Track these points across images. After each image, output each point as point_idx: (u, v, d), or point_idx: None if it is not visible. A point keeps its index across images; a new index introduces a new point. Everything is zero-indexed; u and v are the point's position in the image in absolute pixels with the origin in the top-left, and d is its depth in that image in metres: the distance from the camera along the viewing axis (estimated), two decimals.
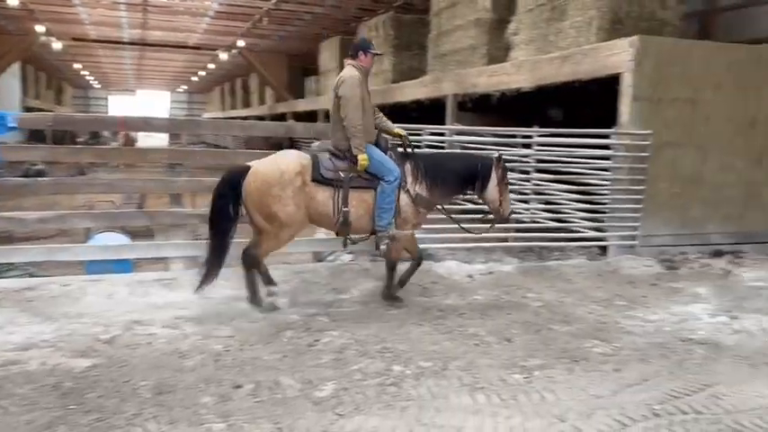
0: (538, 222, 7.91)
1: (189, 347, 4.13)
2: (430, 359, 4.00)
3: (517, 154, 7.77)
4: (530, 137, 7.63)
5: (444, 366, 3.89)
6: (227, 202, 4.82)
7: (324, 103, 19.66)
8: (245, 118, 28.34)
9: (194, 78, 44.58)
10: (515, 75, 9.38)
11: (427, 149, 9.37)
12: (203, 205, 5.64)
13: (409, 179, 5.07)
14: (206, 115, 48.37)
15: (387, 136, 5.30)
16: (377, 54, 5.25)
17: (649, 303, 5.54)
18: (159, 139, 31.83)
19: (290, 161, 4.88)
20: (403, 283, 5.36)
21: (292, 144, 17.55)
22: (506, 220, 5.48)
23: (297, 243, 6.68)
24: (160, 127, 6.60)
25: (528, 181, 7.83)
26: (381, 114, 5.35)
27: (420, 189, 5.10)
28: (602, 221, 7.48)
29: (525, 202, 7.90)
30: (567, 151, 7.52)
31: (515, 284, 6.08)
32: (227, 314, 4.81)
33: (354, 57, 5.10)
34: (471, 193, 5.44)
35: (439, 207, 5.43)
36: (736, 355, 4.22)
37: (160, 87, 57.32)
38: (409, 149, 5.25)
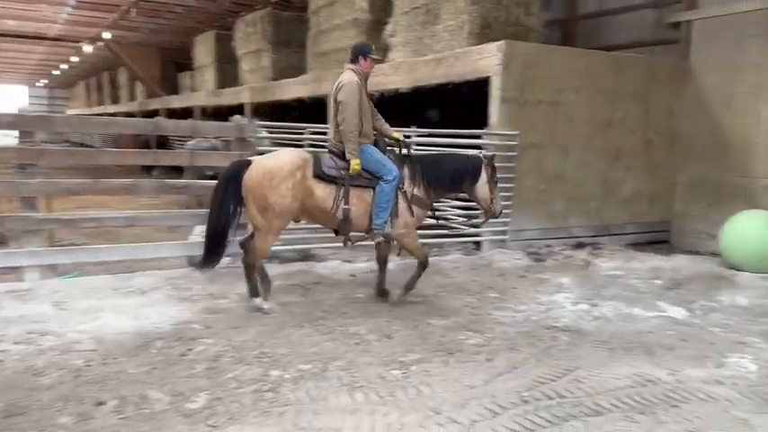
0: None
1: (45, 364, 3.78)
2: (310, 361, 3.94)
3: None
4: (408, 137, 7.78)
5: (324, 368, 3.85)
6: (229, 196, 4.93)
7: (199, 99, 18.92)
8: (114, 115, 26.56)
9: (56, 72, 41.16)
10: (393, 76, 9.54)
11: (311, 149, 9.32)
12: (59, 210, 5.20)
13: (406, 181, 5.21)
14: (70, 112, 44.85)
15: (385, 139, 5.38)
16: (376, 59, 5.31)
17: (519, 294, 5.83)
18: (8, 138, 29.03)
19: (291, 156, 5.01)
20: (410, 287, 5.43)
21: (165, 142, 16.74)
22: (496, 217, 5.60)
23: (169, 246, 6.39)
24: (5, 123, 5.99)
25: None
26: (381, 117, 5.39)
27: (416, 190, 5.23)
28: (477, 218, 7.79)
29: None
30: (444, 151, 7.75)
31: (396, 281, 6.16)
32: (90, 326, 4.47)
33: (354, 61, 5.17)
34: (463, 191, 5.57)
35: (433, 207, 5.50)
36: (595, 340, 4.55)
37: (16, 81, 52.43)
38: (405, 151, 5.35)
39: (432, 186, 5.29)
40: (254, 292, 5.05)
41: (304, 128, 8.09)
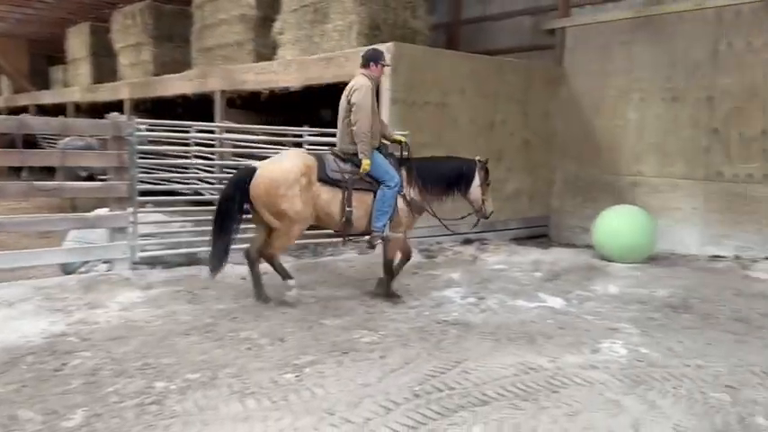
0: None
1: None
2: (198, 370, 3.79)
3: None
4: (300, 136, 7.71)
5: (214, 376, 3.71)
6: (234, 202, 5.09)
7: (73, 95, 17.64)
8: None
9: None
10: (283, 74, 9.41)
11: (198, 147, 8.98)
12: None
13: (405, 185, 5.42)
14: None
15: (386, 142, 5.59)
16: (386, 65, 5.56)
17: (412, 291, 5.95)
18: None
19: (294, 161, 5.13)
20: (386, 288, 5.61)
21: (34, 141, 15.46)
22: (486, 217, 5.82)
23: (40, 254, 5.91)
24: None
25: None
26: (383, 120, 5.63)
27: (414, 193, 5.47)
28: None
29: None
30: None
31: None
32: None
33: (366, 66, 5.39)
34: (457, 193, 5.71)
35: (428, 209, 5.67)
36: (482, 332, 4.73)
37: None
38: (406, 153, 5.56)
39: (427, 189, 5.52)
40: (285, 276, 5.26)
41: (189, 126, 7.80)
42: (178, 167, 8.06)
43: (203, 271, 6.27)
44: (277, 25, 10.08)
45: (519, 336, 4.64)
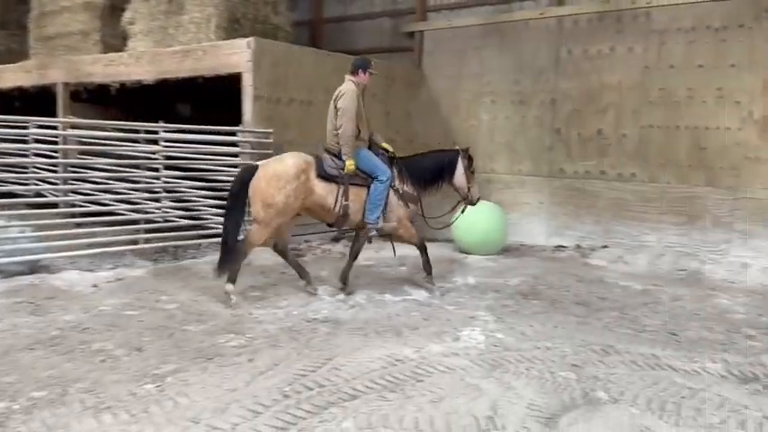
0: (170, 221, 7.66)
1: None
2: (45, 387, 3.47)
3: (144, 150, 7.39)
4: (155, 132, 7.31)
5: (63, 392, 3.42)
6: (240, 200, 5.46)
7: None
8: None
9: None
10: (135, 66, 8.86)
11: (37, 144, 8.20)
12: None
13: (396, 180, 5.79)
14: None
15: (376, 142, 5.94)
16: (373, 73, 5.84)
17: (280, 291, 5.88)
18: None
19: (296, 159, 5.53)
20: (429, 271, 6.04)
21: None
22: (473, 204, 6.16)
23: None
24: None
25: (158, 179, 7.51)
26: (373, 130, 6.02)
27: (405, 187, 5.83)
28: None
29: (156, 200, 7.57)
30: (196, 148, 7.44)
31: (148, 288, 5.76)
32: None
33: (354, 73, 5.74)
34: (443, 183, 6.02)
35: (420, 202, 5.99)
36: (351, 328, 4.79)
37: None
38: (391, 156, 5.89)
39: (416, 182, 5.89)
40: (231, 279, 5.44)
41: (27, 121, 7.10)
42: (15, 167, 7.31)
43: (46, 280, 5.77)
44: (127, 15, 9.47)
45: (386, 329, 4.76)
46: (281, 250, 5.92)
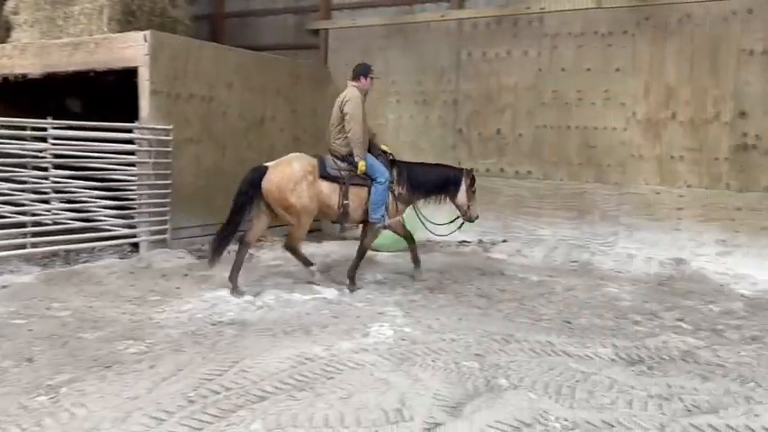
0: (61, 224, 7.21)
1: None
2: None
3: (31, 148, 6.90)
4: (43, 129, 6.85)
5: None
6: (248, 198, 5.84)
7: None
8: None
9: None
10: (19, 58, 8.26)
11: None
12: None
13: (394, 183, 6.20)
14: None
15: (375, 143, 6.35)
16: (375, 78, 6.31)
17: (182, 294, 5.70)
18: None
19: (301, 162, 5.96)
20: (418, 263, 6.63)
21: None
22: (471, 221, 6.54)
23: None
24: None
25: (46, 179, 7.04)
26: (371, 129, 6.49)
27: (401, 189, 6.25)
28: (132, 218, 7.31)
29: (45, 201, 7.10)
30: (89, 146, 7.04)
31: (37, 296, 5.40)
32: None
33: (356, 79, 6.15)
34: (444, 197, 6.44)
35: (413, 207, 6.47)
36: (259, 329, 4.72)
37: None
38: (391, 158, 6.31)
39: (414, 188, 6.31)
40: (306, 263, 6.27)
41: None
42: None
43: None
44: (10, 4, 8.82)
45: (295, 329, 4.74)
46: (292, 247, 6.31)
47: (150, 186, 7.32)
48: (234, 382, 3.61)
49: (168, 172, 7.45)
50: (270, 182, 5.79)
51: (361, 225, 6.49)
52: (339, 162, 6.05)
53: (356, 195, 6.07)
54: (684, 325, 5.24)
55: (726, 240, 7.59)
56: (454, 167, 6.62)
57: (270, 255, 7.66)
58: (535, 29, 8.68)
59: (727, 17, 7.55)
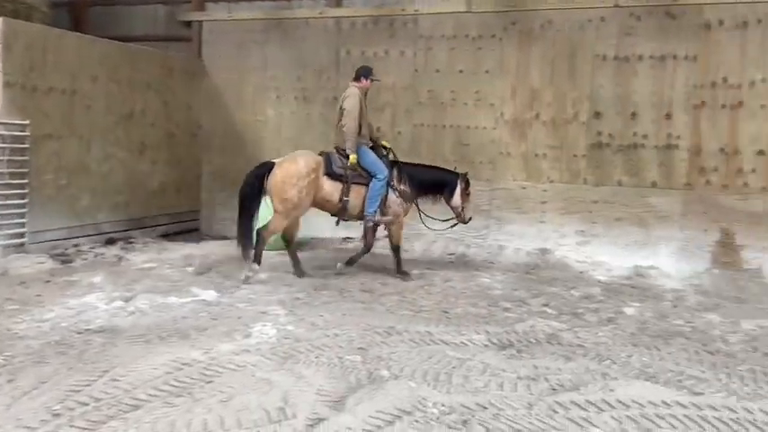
0: None
1: None
2: None
3: None
4: None
5: None
6: (254, 190, 6.32)
7: None
8: None
9: None
10: None
11: None
12: None
13: (395, 180, 6.64)
14: None
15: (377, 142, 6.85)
16: (376, 80, 6.85)
17: (44, 302, 5.28)
18: None
19: (307, 159, 6.38)
20: (352, 261, 6.98)
21: None
22: (465, 223, 7.04)
23: None
24: None
25: None
26: (377, 130, 7.23)
27: (402, 186, 6.66)
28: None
29: None
30: None
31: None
32: None
33: (357, 80, 6.68)
34: (440, 197, 6.86)
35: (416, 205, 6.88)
36: (131, 335, 4.48)
37: None
38: (392, 156, 6.81)
39: (413, 187, 6.71)
40: (257, 260, 6.35)
41: None
42: None
43: None
44: None
45: (171, 333, 4.55)
46: (288, 240, 6.68)
47: (4, 186, 6.70)
48: (104, 393, 3.41)
49: (25, 170, 6.87)
50: (275, 175, 6.24)
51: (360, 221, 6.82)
52: (345, 160, 6.45)
53: (357, 193, 6.52)
54: (549, 310, 5.66)
55: (584, 231, 8.26)
56: (450, 171, 7.00)
57: (142, 257, 7.31)
58: (410, 30, 8.93)
59: (583, 24, 8.19)
